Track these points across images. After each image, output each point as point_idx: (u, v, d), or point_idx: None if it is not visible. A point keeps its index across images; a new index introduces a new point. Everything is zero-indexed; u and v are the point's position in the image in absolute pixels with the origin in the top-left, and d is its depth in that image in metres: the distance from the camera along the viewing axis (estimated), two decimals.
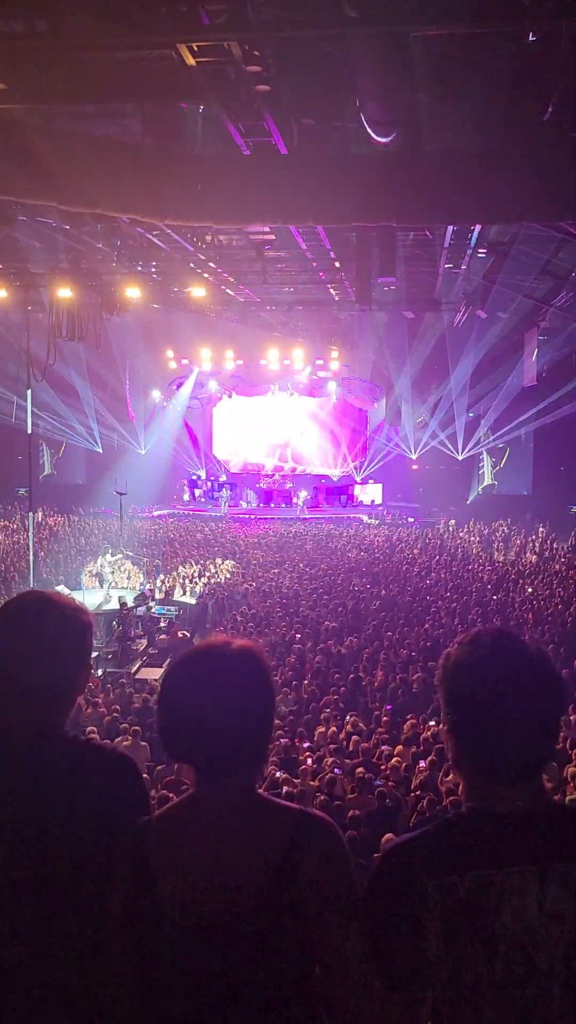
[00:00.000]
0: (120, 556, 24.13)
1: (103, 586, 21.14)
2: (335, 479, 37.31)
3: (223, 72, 9.07)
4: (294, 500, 35.86)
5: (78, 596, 18.50)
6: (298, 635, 15.51)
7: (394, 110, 9.08)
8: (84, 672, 1.99)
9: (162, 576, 22.59)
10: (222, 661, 1.74)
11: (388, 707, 11.89)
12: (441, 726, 1.82)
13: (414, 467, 34.72)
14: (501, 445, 32.50)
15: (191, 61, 8.48)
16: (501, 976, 1.56)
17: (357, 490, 36.66)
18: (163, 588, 21.10)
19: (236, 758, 1.72)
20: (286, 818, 1.72)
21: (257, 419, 37.63)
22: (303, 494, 36.07)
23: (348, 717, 11.35)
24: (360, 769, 8.94)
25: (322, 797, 8.01)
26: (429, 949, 1.60)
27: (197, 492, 37.65)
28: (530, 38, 7.96)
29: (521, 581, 20.08)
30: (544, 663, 1.69)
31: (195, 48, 8.30)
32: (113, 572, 23.08)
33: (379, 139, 9.75)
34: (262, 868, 1.66)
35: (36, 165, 10.59)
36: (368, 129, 9.57)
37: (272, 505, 36.22)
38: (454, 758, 1.73)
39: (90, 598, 19.18)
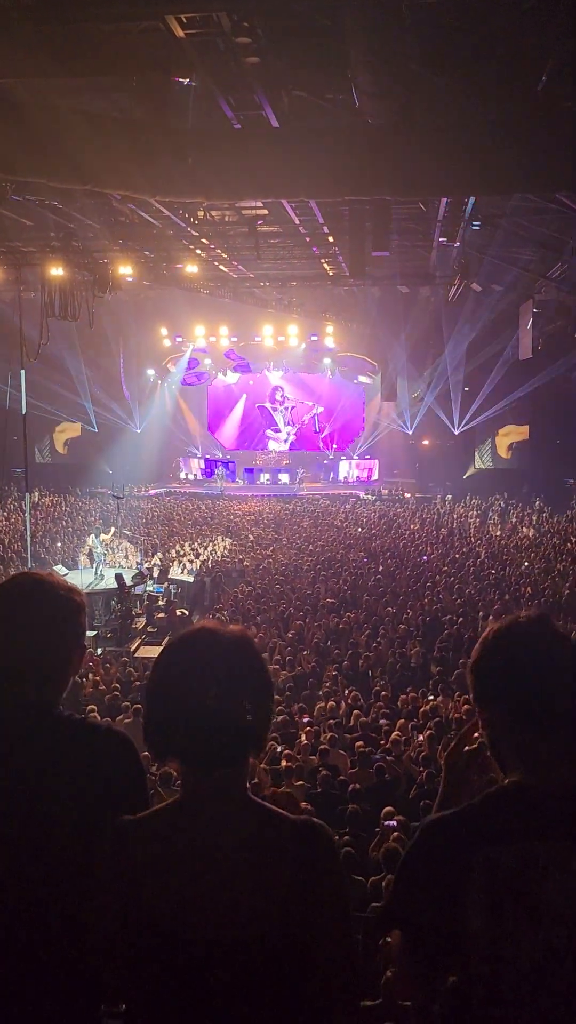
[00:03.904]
0: (114, 532, 24.13)
1: (97, 567, 21.17)
2: (331, 455, 37.28)
3: (213, 44, 8.95)
4: (291, 477, 35.86)
5: (75, 576, 18.56)
6: (299, 612, 15.56)
7: (386, 81, 8.96)
8: (78, 652, 2.00)
9: (159, 555, 22.62)
10: (216, 647, 1.68)
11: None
12: (477, 706, 1.78)
13: (410, 442, 34.68)
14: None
15: (180, 33, 8.37)
16: (542, 950, 1.56)
17: (349, 466, 36.68)
18: (160, 567, 21.14)
19: (231, 749, 1.66)
20: (288, 830, 1.66)
21: (252, 396, 37.53)
22: (300, 471, 36.05)
23: (347, 691, 11.42)
24: (360, 743, 9.01)
25: (324, 773, 8.08)
26: (469, 922, 1.59)
27: (193, 471, 37.64)
28: (524, 7, 7.85)
29: (519, 555, 20.15)
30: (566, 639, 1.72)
31: (184, 20, 8.20)
32: (108, 552, 23.10)
33: (371, 111, 9.65)
34: (270, 887, 1.60)
35: (25, 141, 10.48)
36: (360, 101, 9.47)
37: (268, 482, 36.20)
38: (497, 734, 1.72)
39: (87, 578, 19.21)
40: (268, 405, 37.56)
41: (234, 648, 1.69)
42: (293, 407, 37.52)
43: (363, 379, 36.06)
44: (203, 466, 37.43)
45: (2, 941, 1.78)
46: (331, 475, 36.49)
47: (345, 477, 36.43)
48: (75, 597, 1.99)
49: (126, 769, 1.91)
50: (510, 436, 33.11)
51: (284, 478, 36.03)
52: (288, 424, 37.68)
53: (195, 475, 37.37)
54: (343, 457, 37.00)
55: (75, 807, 1.80)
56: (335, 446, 37.20)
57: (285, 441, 37.70)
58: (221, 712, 1.63)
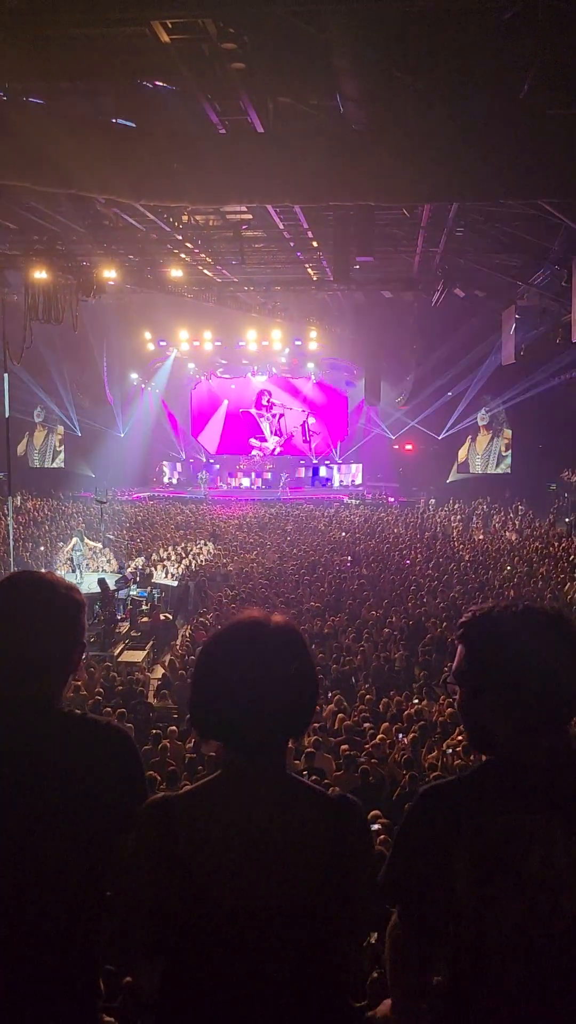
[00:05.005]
0: (98, 544, 24.03)
1: (78, 571, 21.08)
2: (315, 460, 37.31)
3: (198, 49, 8.97)
4: (274, 481, 35.85)
5: None
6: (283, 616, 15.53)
7: (370, 87, 9.02)
8: (78, 649, 2.02)
9: (142, 559, 22.55)
10: (266, 635, 1.75)
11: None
12: (456, 687, 1.86)
13: (394, 447, 34.78)
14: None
15: (165, 38, 8.38)
16: (527, 918, 1.62)
17: (334, 470, 36.70)
18: (144, 571, 21.08)
19: (274, 734, 1.73)
20: (326, 805, 1.75)
21: (236, 400, 37.51)
22: (283, 476, 36.05)
23: (331, 695, 11.43)
24: (345, 747, 9.02)
25: (313, 778, 8.08)
26: (458, 888, 1.66)
27: (176, 474, 37.58)
28: (506, 14, 7.92)
29: (502, 559, 20.24)
30: (566, 623, 1.77)
31: (169, 25, 8.20)
32: (91, 556, 22.98)
33: (356, 117, 9.70)
34: (309, 857, 1.68)
35: (9, 144, 10.45)
36: (345, 107, 9.52)
37: (252, 486, 36.20)
38: (489, 713, 1.78)
39: (71, 581, 19.05)
40: (254, 411, 37.49)
41: (281, 637, 1.76)
42: (281, 415, 37.39)
43: (345, 384, 36.07)
44: (187, 469, 37.37)
45: (2, 936, 1.78)
46: (323, 481, 36.32)
47: (329, 482, 36.44)
48: (75, 595, 2.02)
49: (126, 764, 1.93)
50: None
51: (270, 480, 36.01)
52: (275, 434, 37.53)
53: (176, 479, 37.28)
54: (331, 462, 36.97)
55: (77, 800, 1.81)
56: (329, 457, 37.14)
57: (272, 452, 37.57)
58: (266, 698, 1.69)
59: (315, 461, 37.05)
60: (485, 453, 33.41)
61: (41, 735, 1.87)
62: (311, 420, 37.05)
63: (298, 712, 1.76)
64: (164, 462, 37.79)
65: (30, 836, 1.79)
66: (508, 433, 32.79)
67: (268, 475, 36.27)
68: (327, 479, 36.50)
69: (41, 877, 1.79)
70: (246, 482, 36.41)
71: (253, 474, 36.64)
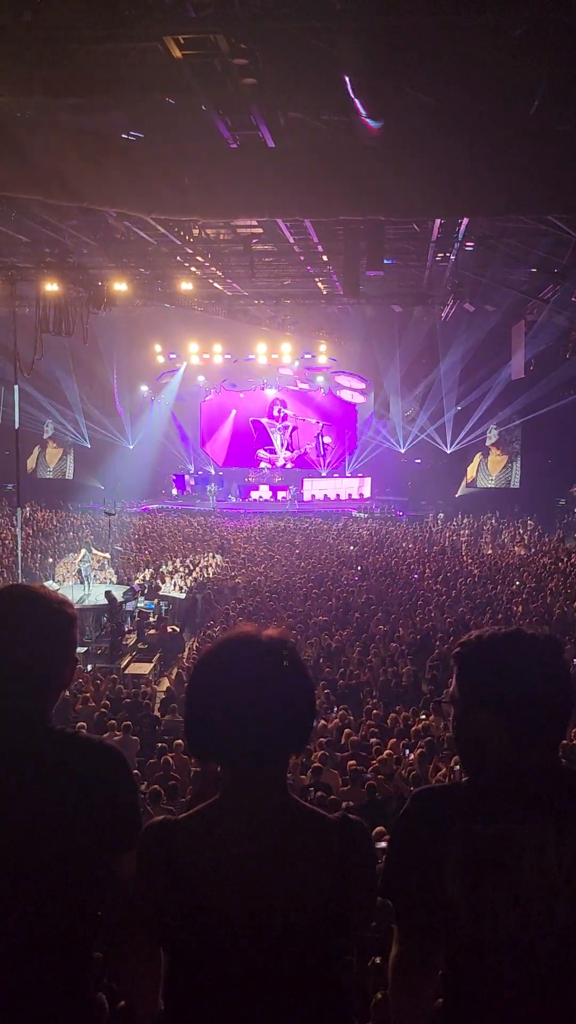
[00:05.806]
0: (107, 556, 24.08)
1: (87, 583, 21.12)
2: (324, 473, 37.26)
3: (210, 65, 9.03)
4: (282, 494, 35.79)
5: (65, 592, 18.47)
6: (291, 630, 15.51)
7: (381, 103, 9.05)
8: (70, 665, 1.99)
9: (150, 571, 22.55)
10: (257, 649, 1.72)
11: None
12: (452, 703, 1.86)
13: (402, 460, 34.72)
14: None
15: (177, 54, 8.44)
16: (520, 925, 1.63)
17: (344, 483, 36.60)
18: (152, 583, 21.08)
19: (272, 751, 1.71)
20: (331, 828, 1.73)
21: (244, 411, 37.54)
22: (291, 488, 36.00)
23: (336, 710, 11.38)
24: (352, 762, 8.96)
25: (319, 793, 8.02)
26: (448, 891, 1.67)
27: (185, 487, 37.56)
28: (517, 31, 7.94)
29: (510, 574, 20.16)
30: (556, 645, 1.80)
31: (181, 41, 8.26)
32: (99, 568, 23.01)
33: (366, 132, 9.74)
34: (314, 875, 1.67)
35: (21, 158, 10.52)
36: (355, 122, 9.56)
37: (260, 499, 36.15)
38: (485, 732, 1.79)
39: (78, 593, 19.12)
40: (265, 421, 37.41)
41: (273, 650, 1.72)
42: (295, 428, 37.28)
43: (358, 398, 36.01)
44: (196, 482, 37.30)
45: None
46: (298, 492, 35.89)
47: (325, 495, 36.11)
48: (67, 609, 1.99)
49: (119, 784, 1.89)
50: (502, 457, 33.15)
51: (280, 494, 35.87)
52: (285, 448, 37.38)
53: (177, 491, 37.23)
54: (341, 475, 36.88)
55: (63, 820, 1.79)
56: (339, 470, 36.97)
57: (282, 465, 37.45)
58: (262, 715, 1.67)
59: (323, 474, 36.98)
60: (500, 475, 33.09)
61: (28, 752, 1.84)
62: (326, 439, 36.93)
63: (295, 726, 1.73)
64: (173, 474, 37.80)
65: (12, 855, 1.76)
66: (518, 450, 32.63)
67: (291, 487, 36.04)
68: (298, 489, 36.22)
69: (27, 894, 1.76)
70: (255, 494, 36.19)
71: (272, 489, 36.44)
